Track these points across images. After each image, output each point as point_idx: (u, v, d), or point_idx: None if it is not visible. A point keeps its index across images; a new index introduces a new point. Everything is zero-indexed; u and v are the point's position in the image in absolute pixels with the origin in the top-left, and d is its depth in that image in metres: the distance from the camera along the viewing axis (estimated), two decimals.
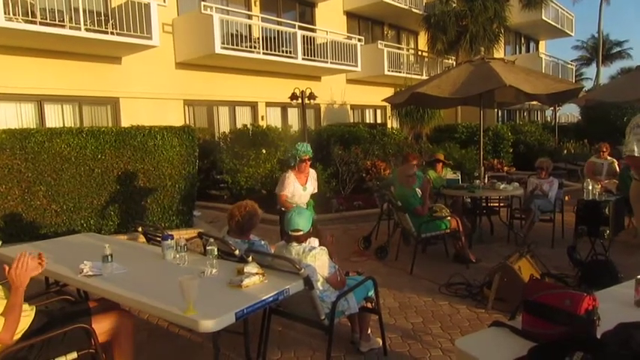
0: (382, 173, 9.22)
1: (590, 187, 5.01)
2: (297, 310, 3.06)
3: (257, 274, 2.66)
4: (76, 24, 8.88)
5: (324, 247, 3.03)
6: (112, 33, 9.43)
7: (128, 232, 6.54)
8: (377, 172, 9.30)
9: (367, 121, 17.53)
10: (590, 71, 35.58)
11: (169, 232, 3.42)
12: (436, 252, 5.94)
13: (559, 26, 24.53)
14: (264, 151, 9.64)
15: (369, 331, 3.43)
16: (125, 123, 9.76)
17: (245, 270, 2.68)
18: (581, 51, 36.44)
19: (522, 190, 6.60)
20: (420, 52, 18.70)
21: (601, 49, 29.78)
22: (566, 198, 6.88)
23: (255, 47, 12.30)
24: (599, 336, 1.62)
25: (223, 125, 13.02)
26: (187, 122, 11.82)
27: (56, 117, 10.02)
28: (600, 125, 12.76)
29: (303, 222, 3.03)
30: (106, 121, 10.71)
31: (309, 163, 4.94)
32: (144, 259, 3.36)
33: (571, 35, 26.68)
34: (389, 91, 13.36)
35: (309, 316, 2.96)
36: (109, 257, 2.99)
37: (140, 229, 4.28)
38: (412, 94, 6.61)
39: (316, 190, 5.16)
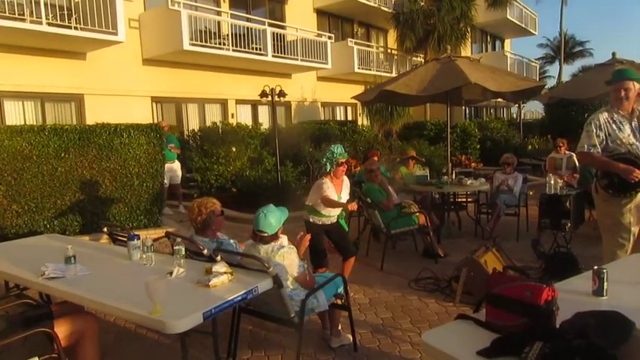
0: (352, 170, 9.28)
1: (553, 182, 5.17)
2: (267, 309, 3.05)
3: (225, 273, 2.63)
4: (37, 18, 8.55)
5: (292, 246, 3.02)
6: (75, 28, 9.13)
7: (94, 232, 6.36)
8: (348, 170, 9.36)
9: (338, 118, 17.58)
10: (553, 69, 36.88)
11: (136, 232, 3.34)
12: (406, 248, 6.03)
13: (523, 25, 25.24)
14: (234, 149, 9.55)
15: (340, 328, 3.45)
16: (90, 120, 9.46)
17: (213, 269, 2.65)
18: (546, 49, 37.58)
19: (488, 185, 6.77)
20: (389, 50, 18.89)
21: (563, 48, 30.73)
22: (531, 192, 7.08)
23: (224, 44, 12.14)
24: (558, 325, 1.68)
25: (192, 123, 12.81)
26: (155, 120, 11.58)
27: (17, 114, 9.64)
28: (563, 121, 13.20)
29: (269, 224, 2.95)
30: (69, 119, 10.38)
31: (345, 167, 4.42)
32: (109, 260, 3.28)
33: (534, 34, 27.50)
34: (359, 89, 13.42)
35: (279, 314, 2.95)
36: (72, 259, 2.90)
37: (106, 229, 4.17)
38: (381, 92, 6.69)
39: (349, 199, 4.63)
